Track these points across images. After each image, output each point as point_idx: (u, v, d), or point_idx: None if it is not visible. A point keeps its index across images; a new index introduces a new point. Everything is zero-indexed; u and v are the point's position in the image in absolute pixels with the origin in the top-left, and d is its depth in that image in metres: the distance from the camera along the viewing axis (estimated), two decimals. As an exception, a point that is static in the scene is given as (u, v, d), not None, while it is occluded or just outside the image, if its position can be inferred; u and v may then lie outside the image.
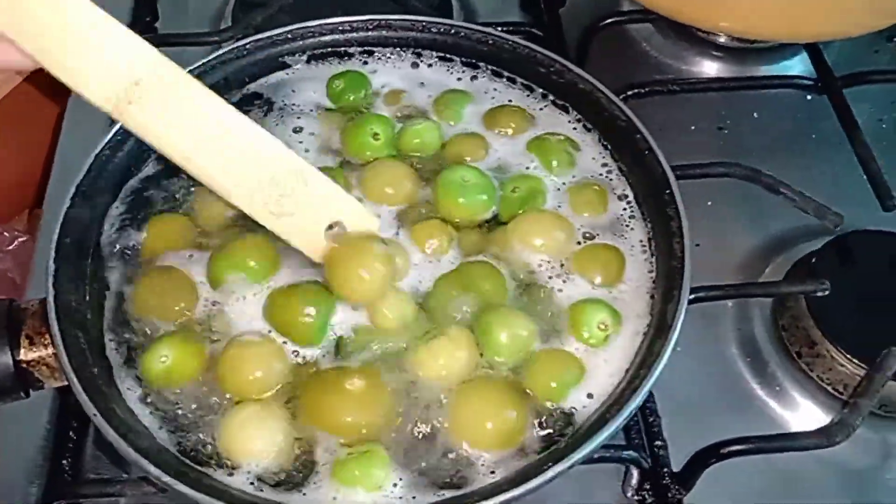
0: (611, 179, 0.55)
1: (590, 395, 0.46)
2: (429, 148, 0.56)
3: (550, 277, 0.51)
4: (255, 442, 0.44)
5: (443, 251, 0.51)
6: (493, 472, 0.44)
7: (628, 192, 0.55)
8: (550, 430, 0.45)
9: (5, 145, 0.81)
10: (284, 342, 0.47)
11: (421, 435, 0.45)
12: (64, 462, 0.51)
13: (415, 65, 0.60)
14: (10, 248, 0.79)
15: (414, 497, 0.43)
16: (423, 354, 0.47)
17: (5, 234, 0.80)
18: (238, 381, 0.46)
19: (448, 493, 0.43)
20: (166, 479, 0.40)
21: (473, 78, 0.60)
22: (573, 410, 0.46)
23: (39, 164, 0.77)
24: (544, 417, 0.46)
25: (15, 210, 0.85)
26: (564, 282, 0.50)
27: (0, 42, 0.38)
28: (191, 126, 0.43)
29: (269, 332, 0.48)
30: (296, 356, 0.47)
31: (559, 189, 0.55)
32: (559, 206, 0.54)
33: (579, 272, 0.51)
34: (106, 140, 0.52)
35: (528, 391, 0.46)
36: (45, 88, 0.81)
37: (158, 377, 0.46)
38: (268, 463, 0.44)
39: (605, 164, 0.56)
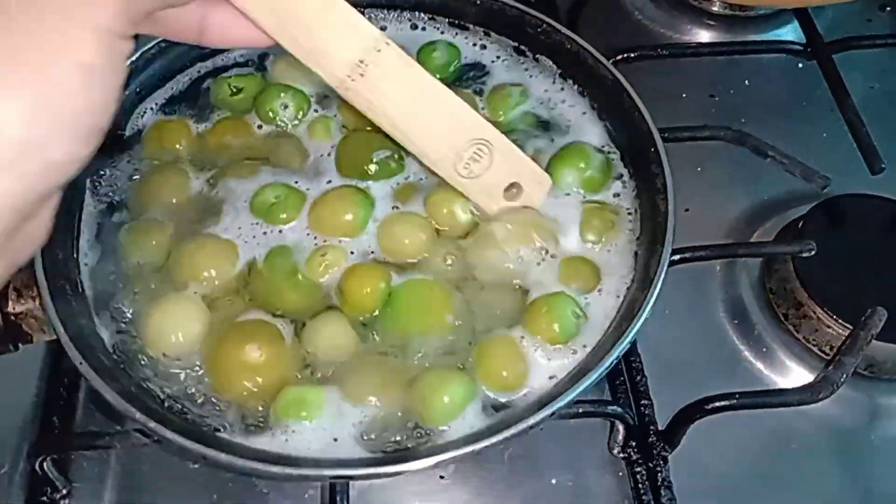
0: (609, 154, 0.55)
1: (573, 352, 0.47)
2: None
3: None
4: (173, 331, 0.46)
5: None
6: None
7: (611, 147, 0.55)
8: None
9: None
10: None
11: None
12: (54, 419, 0.52)
13: (414, 26, 0.60)
14: None
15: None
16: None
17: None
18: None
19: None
20: (152, 424, 0.40)
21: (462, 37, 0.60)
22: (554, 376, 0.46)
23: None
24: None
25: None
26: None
27: (238, 20, 0.39)
28: (404, 98, 0.46)
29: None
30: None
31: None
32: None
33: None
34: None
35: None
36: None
37: None
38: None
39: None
